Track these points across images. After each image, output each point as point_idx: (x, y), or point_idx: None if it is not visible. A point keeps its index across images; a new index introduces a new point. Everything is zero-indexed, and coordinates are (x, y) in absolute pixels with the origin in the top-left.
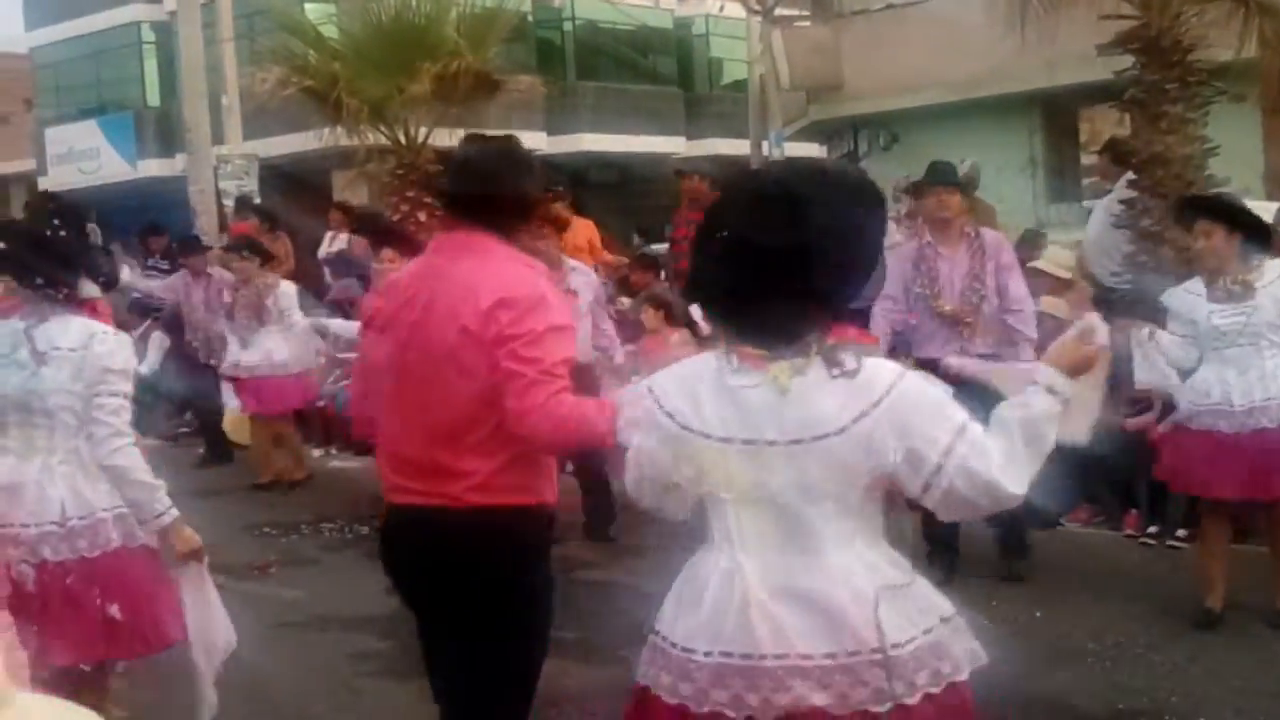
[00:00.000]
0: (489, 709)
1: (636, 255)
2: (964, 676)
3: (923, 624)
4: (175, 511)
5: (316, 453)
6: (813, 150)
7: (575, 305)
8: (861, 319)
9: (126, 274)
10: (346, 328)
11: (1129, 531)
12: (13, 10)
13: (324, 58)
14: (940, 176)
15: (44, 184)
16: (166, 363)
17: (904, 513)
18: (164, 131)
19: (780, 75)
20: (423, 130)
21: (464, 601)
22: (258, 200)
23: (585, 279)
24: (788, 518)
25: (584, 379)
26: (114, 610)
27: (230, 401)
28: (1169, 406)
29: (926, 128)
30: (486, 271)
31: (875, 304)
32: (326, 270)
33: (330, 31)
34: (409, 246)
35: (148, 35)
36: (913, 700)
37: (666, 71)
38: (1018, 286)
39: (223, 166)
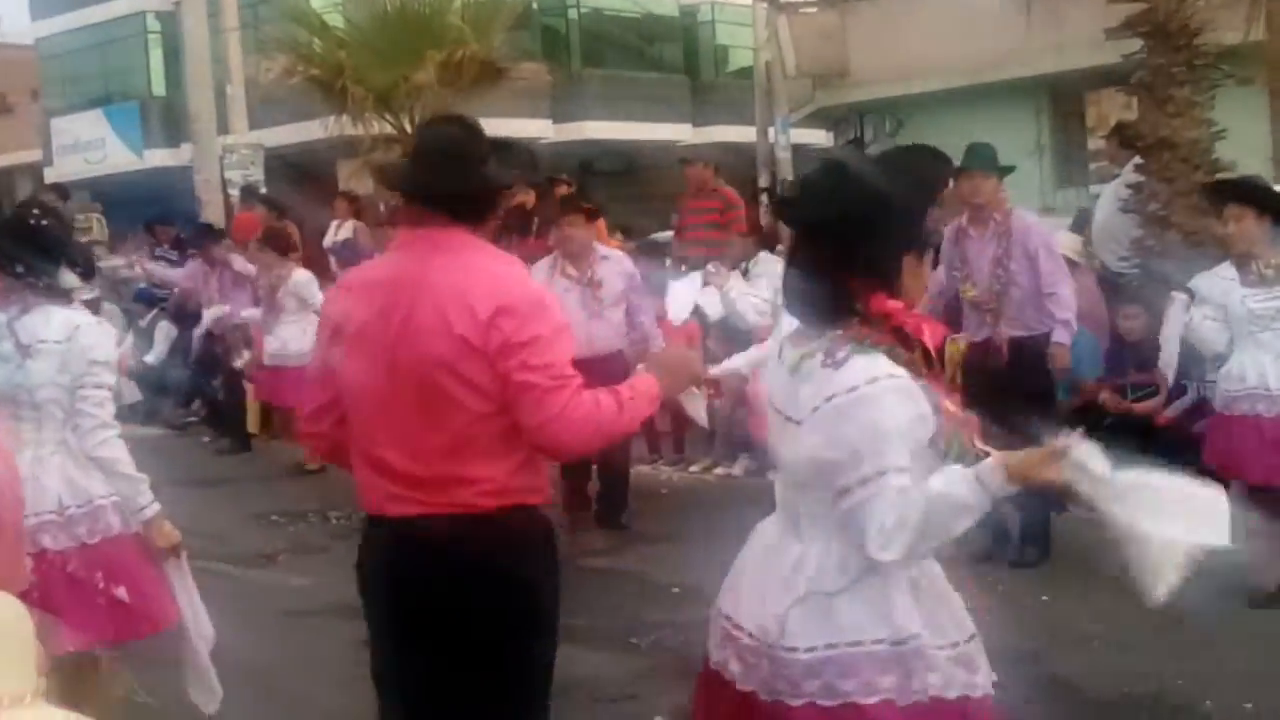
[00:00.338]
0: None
1: (641, 244)
2: (874, 700)
3: (836, 638)
4: (157, 506)
5: None
6: (819, 137)
7: (599, 294)
8: None
9: (150, 266)
10: None
11: None
12: (18, 1)
13: (329, 46)
14: (979, 160)
15: (50, 175)
16: (173, 353)
17: None
18: (170, 121)
19: (786, 62)
20: (428, 118)
21: (485, 609)
22: (263, 189)
23: (617, 267)
24: (789, 495)
25: (616, 367)
26: (120, 592)
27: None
28: (1174, 392)
29: (933, 113)
30: (473, 274)
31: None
32: (332, 259)
33: (335, 20)
34: None
35: (153, 25)
36: (795, 703)
37: (672, 59)
38: (1050, 270)
39: (228, 156)
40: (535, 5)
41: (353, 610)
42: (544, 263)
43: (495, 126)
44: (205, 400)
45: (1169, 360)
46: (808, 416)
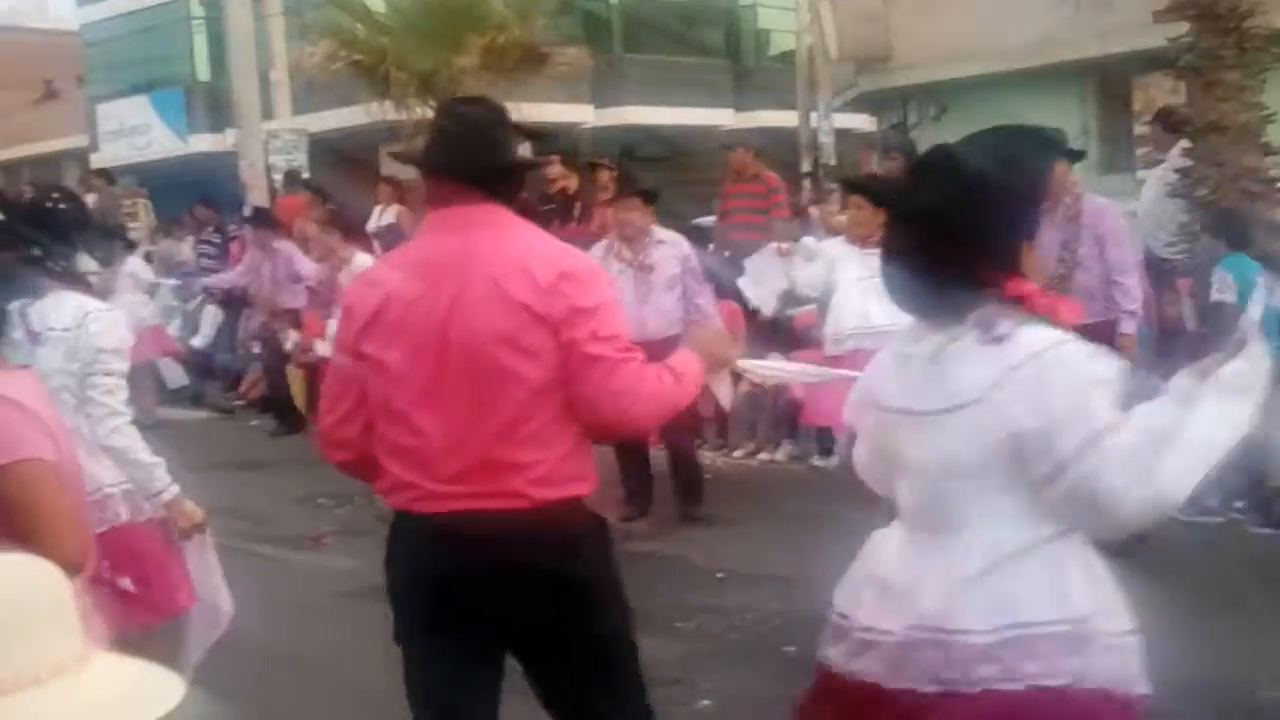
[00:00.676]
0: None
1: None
2: (1058, 683)
3: (1011, 617)
4: (175, 488)
5: None
6: (862, 122)
7: (651, 279)
8: None
9: (211, 281)
10: None
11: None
12: None
13: (372, 31)
14: None
15: (96, 160)
16: (219, 336)
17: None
18: (214, 107)
19: (829, 46)
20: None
21: (554, 616)
22: (306, 175)
23: (672, 250)
24: (931, 491)
25: (667, 352)
26: (125, 583)
27: None
28: None
29: (977, 98)
30: (527, 244)
31: None
32: (376, 244)
33: (378, 5)
34: None
35: (197, 11)
36: (970, 690)
37: (714, 43)
38: (1118, 256)
39: (272, 141)
40: None
41: None
42: (600, 246)
43: (536, 112)
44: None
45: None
46: (984, 396)
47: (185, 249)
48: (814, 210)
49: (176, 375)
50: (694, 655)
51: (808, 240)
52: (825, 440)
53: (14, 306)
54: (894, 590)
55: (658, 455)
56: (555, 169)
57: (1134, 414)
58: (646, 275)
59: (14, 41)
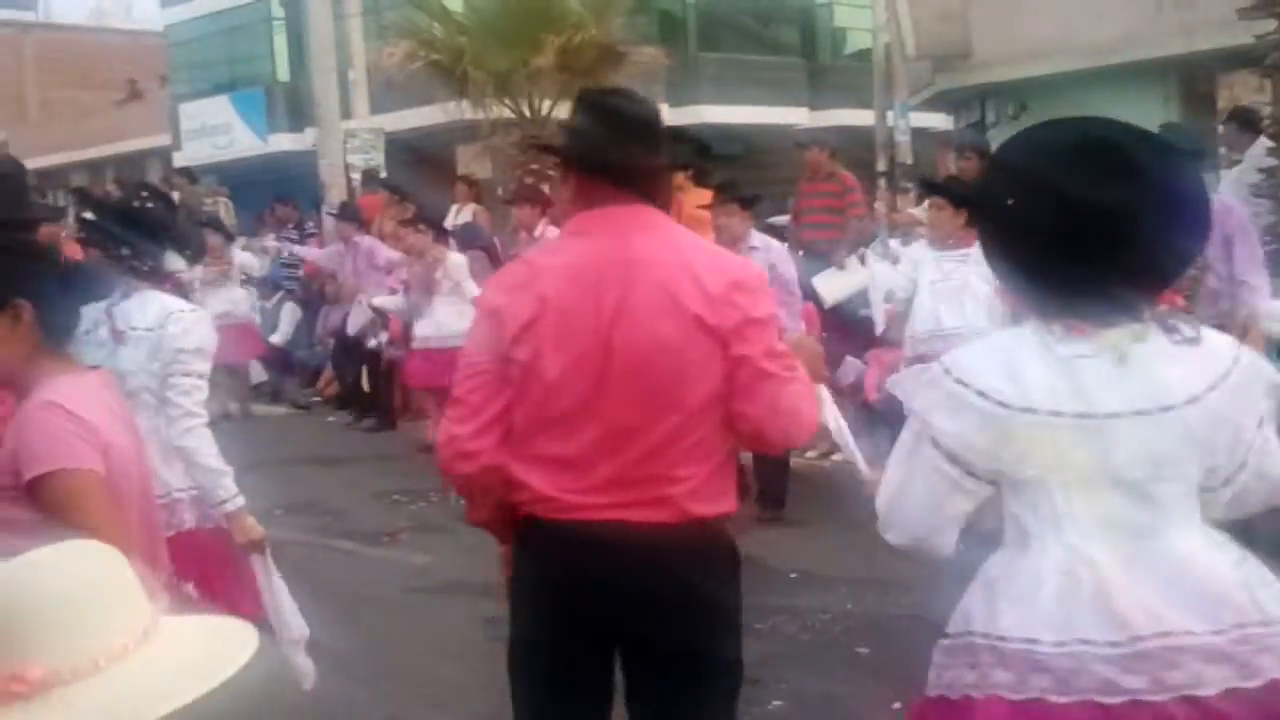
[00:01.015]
0: None
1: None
2: None
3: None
4: (240, 500)
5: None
6: (939, 120)
7: None
8: None
9: (297, 248)
10: None
11: None
12: None
13: (450, 31)
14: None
15: (178, 159)
16: (298, 333)
17: None
18: (293, 106)
19: (906, 43)
20: (546, 103)
21: (690, 632)
22: (384, 174)
23: (764, 256)
24: (1134, 497)
25: None
26: (188, 589)
27: None
28: None
29: (1057, 96)
30: (693, 251)
31: None
32: (452, 242)
33: (456, 5)
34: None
35: (277, 11)
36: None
37: (789, 41)
38: (1244, 256)
39: (350, 140)
40: None
41: (473, 587)
42: None
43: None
44: (344, 380)
45: None
46: (1199, 396)
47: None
48: (880, 207)
49: (256, 371)
50: (767, 656)
51: (892, 243)
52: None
53: (101, 306)
54: (1180, 595)
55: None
56: None
57: None
58: None
59: (99, 42)
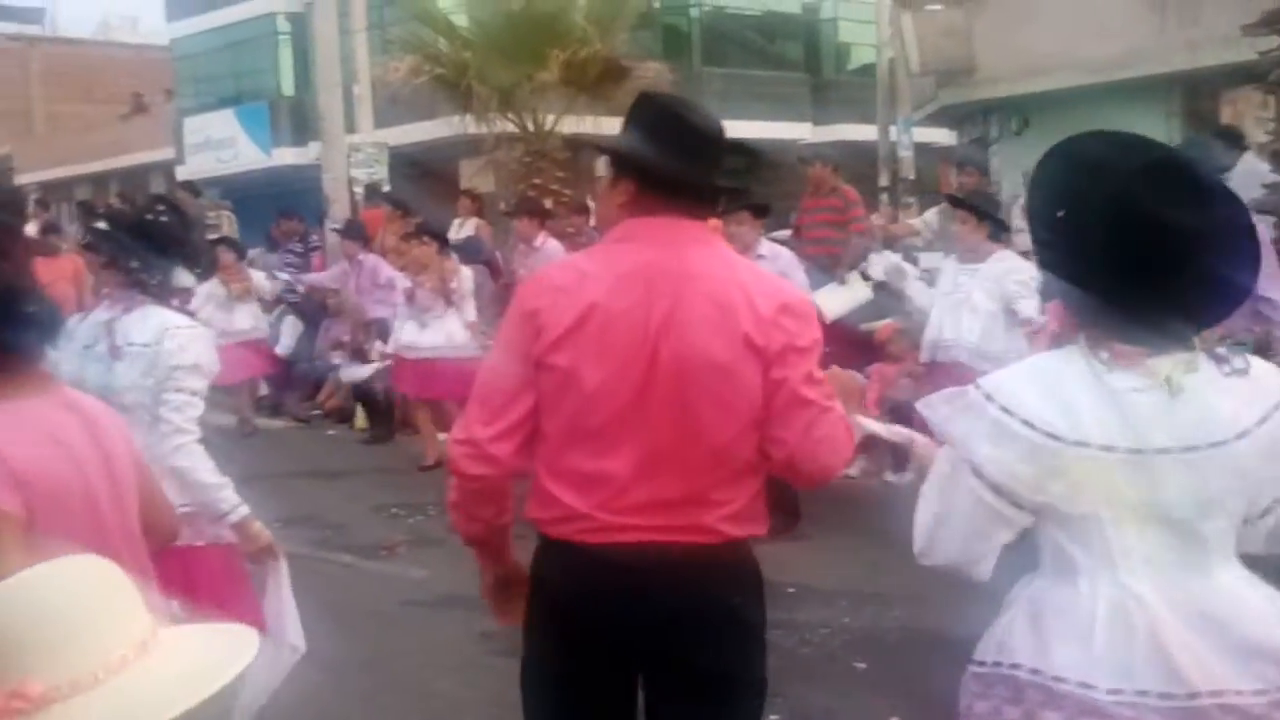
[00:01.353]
0: None
1: None
2: None
3: None
4: (244, 509)
5: (442, 436)
6: (943, 136)
7: None
8: None
9: (309, 278)
10: None
11: None
12: (154, 3)
13: (455, 46)
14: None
15: (182, 172)
16: (299, 347)
17: None
18: (297, 120)
19: (910, 59)
20: (550, 117)
21: (723, 654)
22: (387, 188)
23: (773, 264)
24: (1182, 535)
25: None
26: (175, 605)
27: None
28: None
29: (1060, 112)
30: (744, 269)
31: None
32: (455, 256)
33: (460, 20)
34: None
35: (283, 26)
36: None
37: (793, 57)
38: (1265, 273)
39: (354, 155)
40: (657, 4)
41: (470, 602)
42: None
43: (616, 126)
44: (355, 393)
45: None
46: (1250, 430)
47: (274, 261)
48: (876, 219)
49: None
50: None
51: (897, 261)
52: (899, 457)
53: (103, 320)
54: (1228, 649)
55: None
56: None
57: None
58: None
59: (105, 56)
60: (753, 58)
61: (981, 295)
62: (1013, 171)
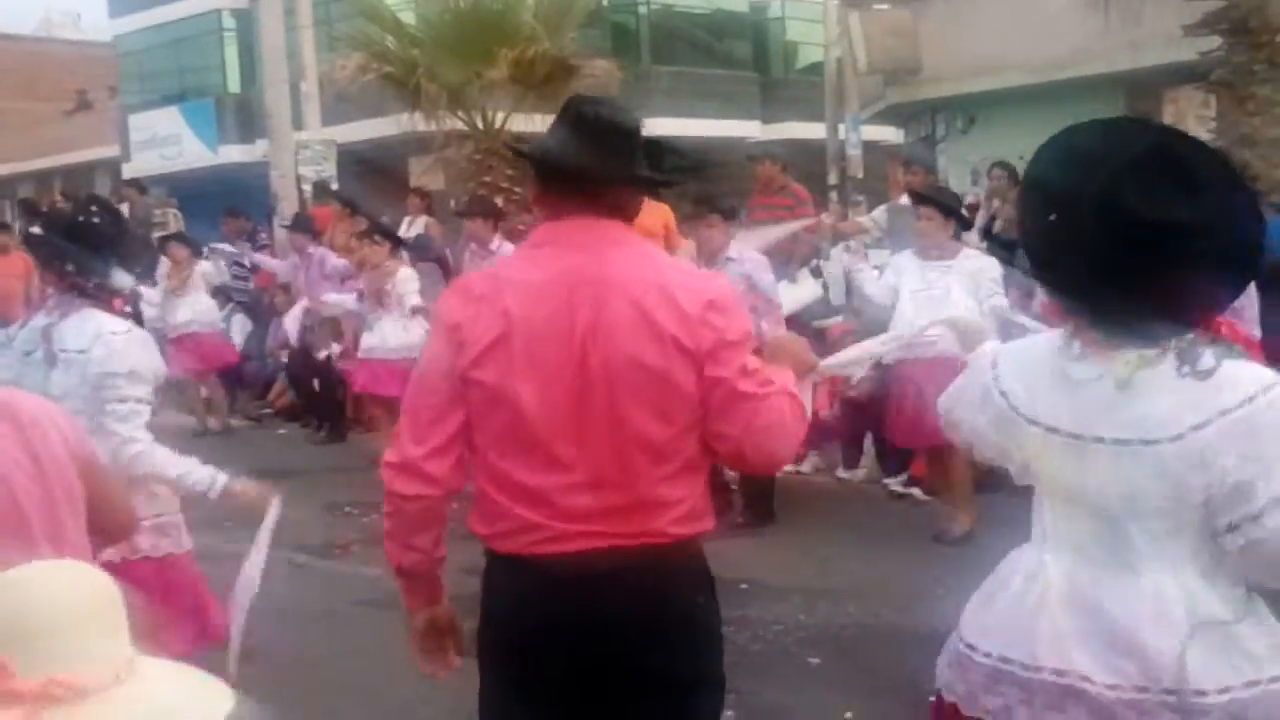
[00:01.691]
0: None
1: None
2: None
3: (1253, 674)
4: (222, 477)
5: None
6: (890, 134)
7: None
8: None
9: (258, 256)
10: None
11: None
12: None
13: (403, 44)
14: None
15: (127, 170)
16: (249, 346)
17: None
18: (244, 118)
19: (857, 58)
20: (499, 115)
21: (677, 656)
22: (335, 186)
23: (740, 267)
24: (1105, 525)
25: None
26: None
27: None
28: None
29: (1005, 111)
30: (666, 269)
31: None
32: (406, 255)
33: (409, 17)
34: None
35: (228, 23)
36: None
37: (742, 55)
38: None
39: (302, 152)
40: (605, 2)
41: None
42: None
43: None
44: (301, 391)
45: None
46: (1183, 434)
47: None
48: (825, 218)
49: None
50: None
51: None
52: (850, 453)
53: (41, 326)
54: (1096, 638)
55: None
56: None
57: None
58: None
59: (47, 52)
60: (701, 56)
61: (960, 292)
62: (959, 169)
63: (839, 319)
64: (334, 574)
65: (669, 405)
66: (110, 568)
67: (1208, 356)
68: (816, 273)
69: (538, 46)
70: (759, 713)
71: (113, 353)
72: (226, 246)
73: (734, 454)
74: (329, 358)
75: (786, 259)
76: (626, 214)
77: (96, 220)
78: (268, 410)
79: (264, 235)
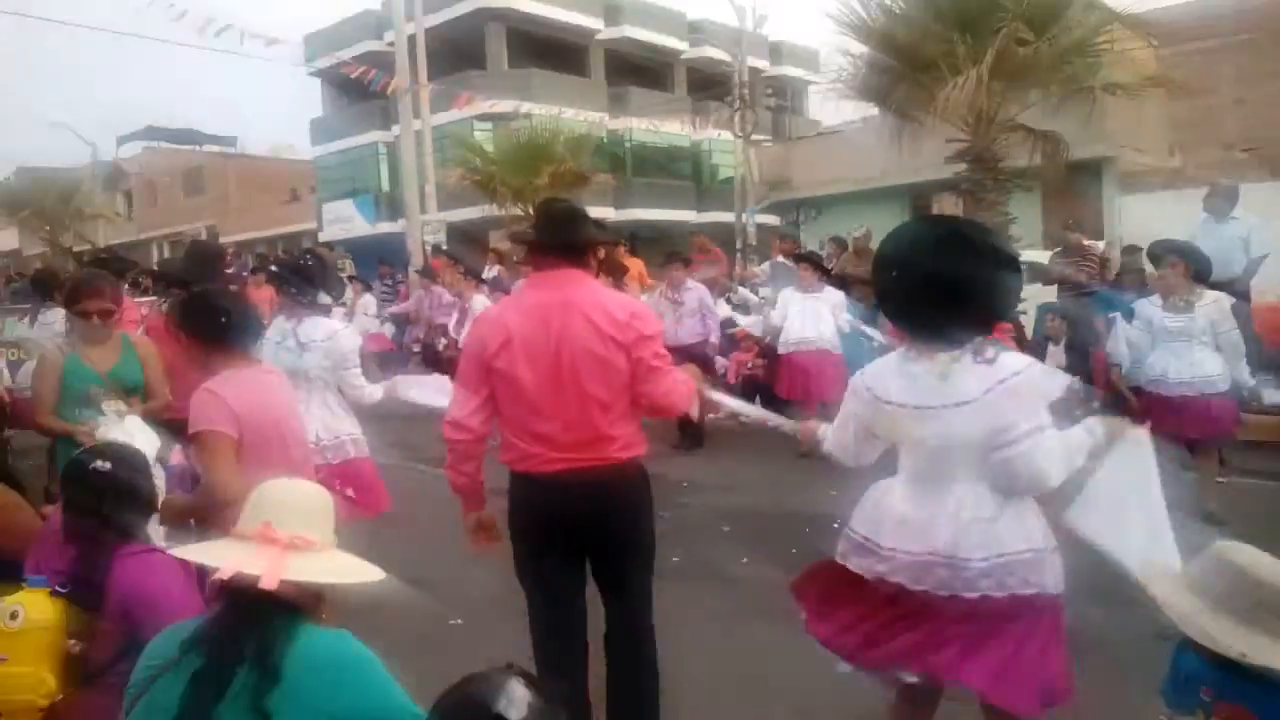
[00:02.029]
0: (647, 591)
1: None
2: (1032, 592)
3: (999, 549)
4: (376, 388)
5: None
6: (772, 220)
7: (680, 310)
8: None
9: (393, 309)
10: None
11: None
12: (304, 134)
13: (485, 162)
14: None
15: (321, 237)
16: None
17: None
18: (391, 205)
19: (753, 174)
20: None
21: (623, 523)
22: (445, 247)
23: (695, 293)
24: (935, 458)
25: (695, 351)
26: (349, 492)
27: None
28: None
29: (838, 206)
30: (604, 294)
31: None
32: (486, 288)
33: (489, 146)
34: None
35: (382, 149)
36: (971, 595)
37: (685, 172)
38: None
39: (425, 227)
40: (605, 139)
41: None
42: (656, 291)
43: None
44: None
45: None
46: (977, 399)
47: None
48: (738, 270)
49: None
50: (667, 532)
51: (743, 290)
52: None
53: (289, 326)
54: (912, 525)
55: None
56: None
57: (1070, 430)
58: (679, 306)
59: (274, 167)
60: (662, 171)
61: (826, 311)
62: (811, 241)
63: (744, 323)
64: (441, 476)
65: (610, 377)
66: (326, 467)
67: (990, 351)
68: (729, 302)
69: (566, 164)
70: (694, 559)
71: (345, 341)
72: (379, 310)
73: (650, 406)
74: (443, 351)
75: (711, 289)
76: (583, 264)
77: (310, 264)
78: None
79: (401, 276)
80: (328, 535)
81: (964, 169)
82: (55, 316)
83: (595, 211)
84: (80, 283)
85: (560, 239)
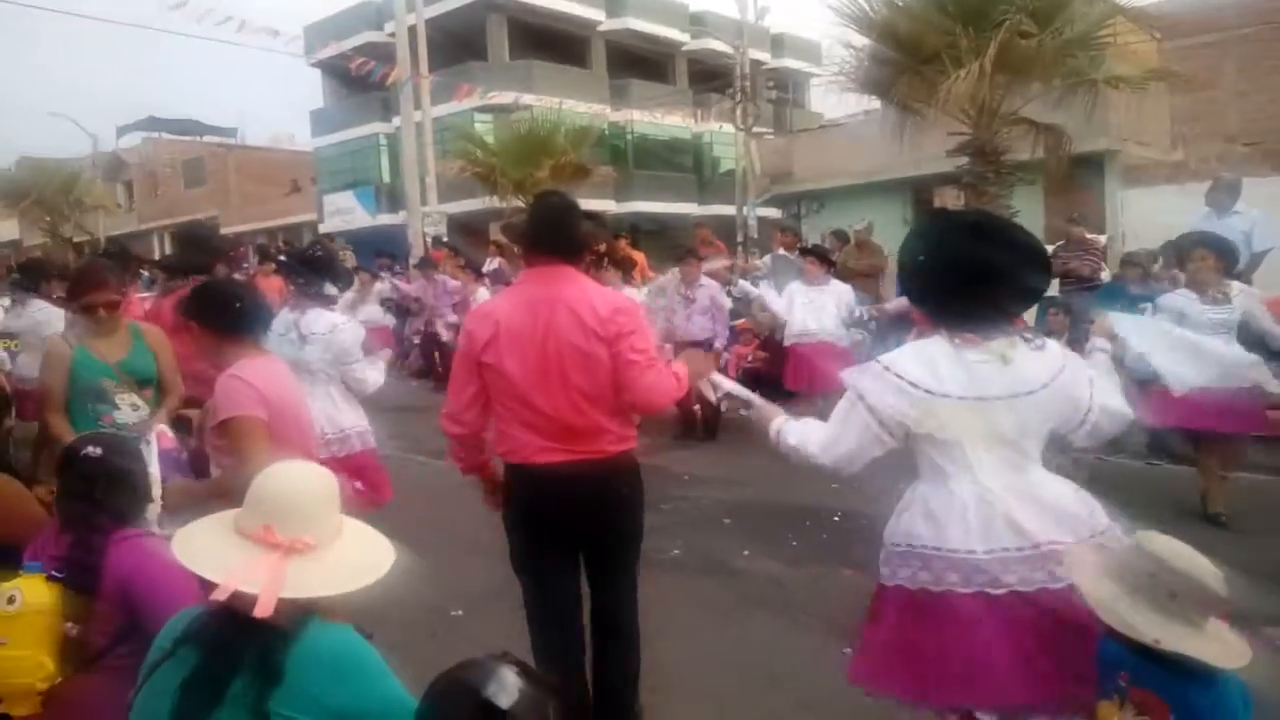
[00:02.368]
0: (632, 579)
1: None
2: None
3: (1088, 530)
4: (381, 362)
5: None
6: (773, 213)
7: (691, 305)
8: None
9: (397, 283)
10: None
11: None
12: (304, 125)
13: (486, 153)
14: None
15: (321, 229)
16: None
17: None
18: (392, 197)
19: (754, 167)
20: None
21: (614, 515)
22: (445, 239)
23: (707, 290)
24: (1012, 450)
25: (702, 348)
26: (357, 485)
27: None
28: None
29: (841, 199)
30: (590, 291)
31: None
32: (487, 280)
33: (489, 137)
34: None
35: (382, 141)
36: (1059, 586)
37: (687, 164)
38: None
39: (426, 218)
40: (606, 131)
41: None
42: (670, 285)
43: (583, 204)
44: (426, 359)
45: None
46: (1048, 384)
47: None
48: (738, 264)
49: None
50: (668, 525)
51: (744, 284)
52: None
53: (292, 318)
54: (984, 523)
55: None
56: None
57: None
58: (692, 303)
59: (275, 157)
60: (663, 164)
61: (831, 304)
62: (813, 234)
63: (744, 319)
64: (440, 467)
65: (594, 371)
66: (332, 460)
67: (1038, 339)
68: (730, 293)
69: (567, 156)
70: (693, 550)
71: (345, 336)
72: (387, 275)
73: (633, 401)
74: (444, 341)
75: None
76: (572, 259)
77: (318, 254)
78: (403, 371)
79: (400, 268)
80: (332, 525)
81: (966, 162)
82: (41, 306)
83: (596, 204)
84: (83, 276)
85: (552, 236)
